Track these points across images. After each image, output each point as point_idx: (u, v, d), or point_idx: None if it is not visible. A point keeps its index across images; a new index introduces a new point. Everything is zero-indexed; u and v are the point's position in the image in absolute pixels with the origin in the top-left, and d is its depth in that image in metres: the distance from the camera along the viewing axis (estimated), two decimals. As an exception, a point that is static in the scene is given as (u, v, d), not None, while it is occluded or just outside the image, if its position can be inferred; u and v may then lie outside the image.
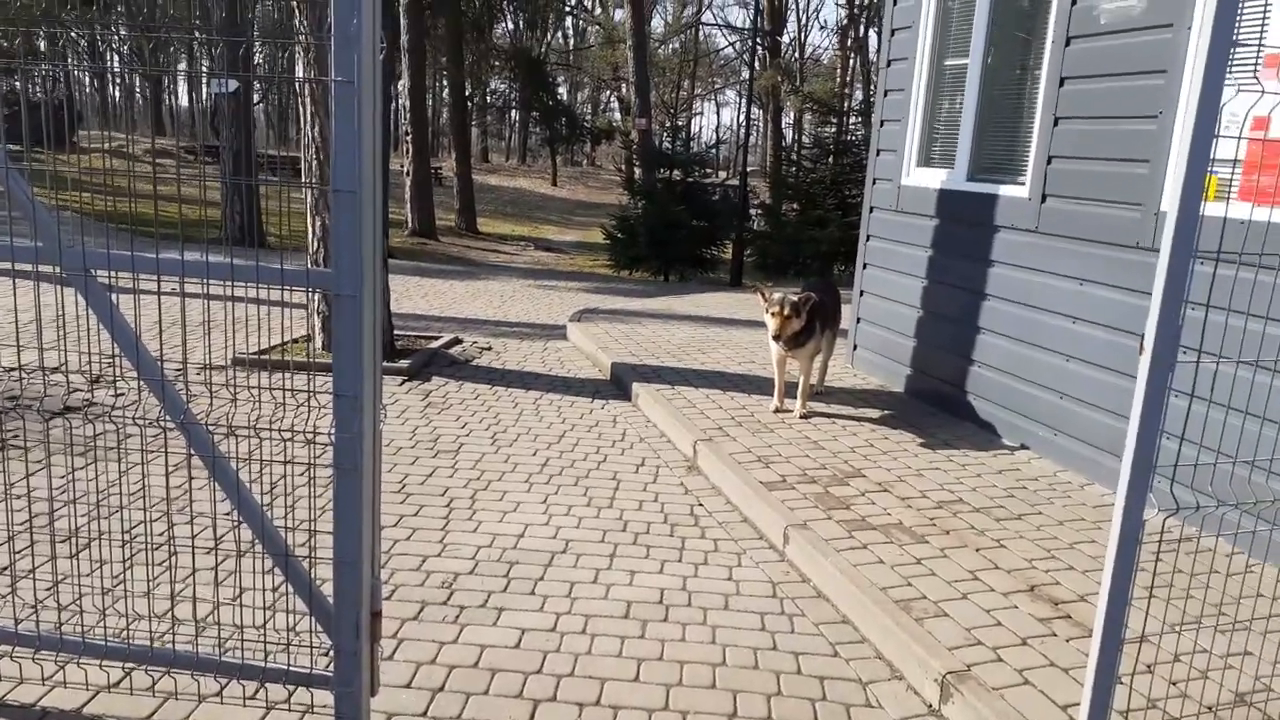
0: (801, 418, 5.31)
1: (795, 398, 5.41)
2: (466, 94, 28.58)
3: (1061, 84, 4.69)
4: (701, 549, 3.75)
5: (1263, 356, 3.24)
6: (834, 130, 19.83)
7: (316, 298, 6.32)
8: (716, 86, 52.46)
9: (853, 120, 20.44)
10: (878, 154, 6.49)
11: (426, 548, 3.60)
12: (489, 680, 2.71)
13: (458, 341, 7.42)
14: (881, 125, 6.47)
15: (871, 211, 6.51)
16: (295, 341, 6.45)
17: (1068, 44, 4.65)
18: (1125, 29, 4.33)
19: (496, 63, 32.72)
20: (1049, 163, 4.78)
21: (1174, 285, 1.91)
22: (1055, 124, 4.73)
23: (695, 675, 2.82)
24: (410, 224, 20.94)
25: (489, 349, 7.30)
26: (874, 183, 6.50)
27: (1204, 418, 3.12)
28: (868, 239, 6.55)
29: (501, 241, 23.99)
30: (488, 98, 39.51)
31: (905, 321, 6.02)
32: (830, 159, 18.63)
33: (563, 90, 45.02)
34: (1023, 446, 4.96)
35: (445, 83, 29.21)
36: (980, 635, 2.97)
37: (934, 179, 5.82)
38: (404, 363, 6.32)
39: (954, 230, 5.63)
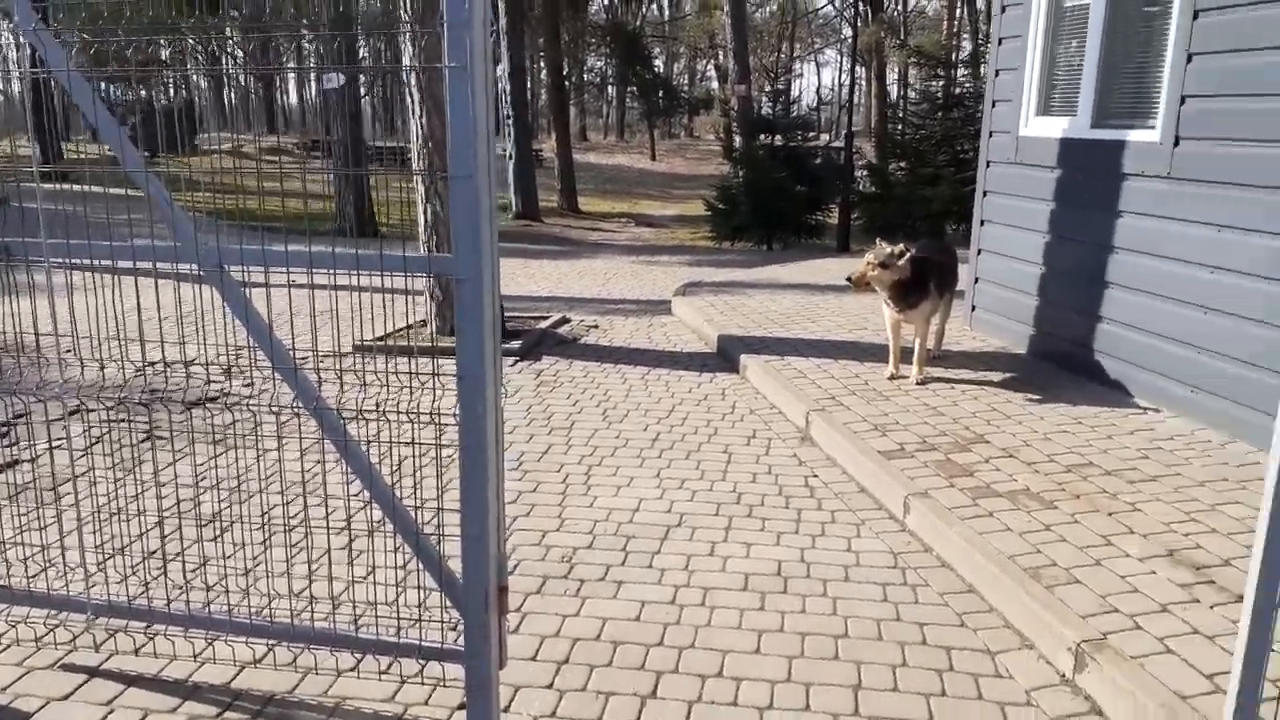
0: (918, 384, 5.16)
1: (911, 363, 5.26)
2: (564, 73, 28.76)
3: (1196, 16, 4.37)
4: (818, 520, 3.70)
5: None
6: (943, 84, 19.06)
7: (431, 284, 6.49)
8: (817, 47, 51.22)
9: (962, 73, 19.59)
10: (993, 105, 6.21)
11: (545, 523, 3.67)
12: (611, 653, 2.75)
13: (565, 321, 7.52)
14: (997, 75, 6.18)
15: (989, 166, 6.24)
16: (411, 327, 6.65)
17: (1199, -27, 4.32)
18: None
19: (593, 39, 32.82)
20: (1182, 103, 4.47)
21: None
22: (1189, 60, 4.42)
23: (817, 647, 2.79)
24: (514, 206, 21.27)
25: (596, 327, 7.36)
26: (990, 135, 6.22)
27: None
28: (984, 195, 6.29)
29: (603, 219, 24.13)
30: (585, 75, 39.67)
31: (1027, 279, 5.77)
32: (940, 114, 17.94)
33: (659, 62, 44.78)
34: (1156, 408, 4.70)
35: (543, 63, 29.44)
36: (1116, 602, 2.84)
37: (1055, 128, 5.54)
38: (515, 343, 6.43)
39: (1078, 181, 5.35)
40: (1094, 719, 2.48)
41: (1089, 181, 5.21)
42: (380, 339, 5.91)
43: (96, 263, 2.32)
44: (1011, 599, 2.96)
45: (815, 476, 4.16)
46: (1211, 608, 2.81)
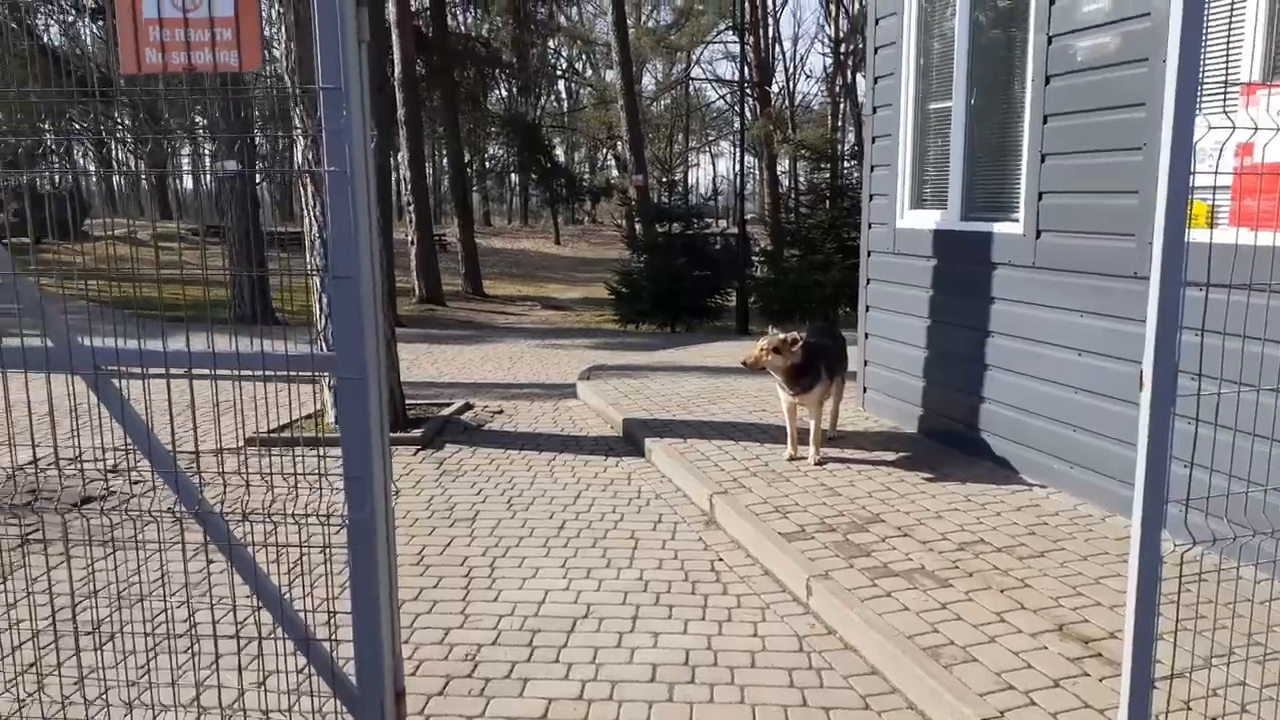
0: (816, 464, 5.31)
1: (809, 444, 5.41)
2: (465, 161, 29.05)
3: (1045, 121, 4.76)
4: (724, 605, 3.73)
5: (1265, 380, 3.24)
6: (829, 175, 20.06)
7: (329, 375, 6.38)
8: (710, 138, 53.19)
9: (847, 164, 20.66)
10: (870, 198, 6.58)
11: (448, 619, 3.59)
12: (517, 753, 2.69)
13: (469, 407, 7.46)
14: (872, 170, 6.56)
15: (870, 255, 6.57)
16: (308, 417, 6.49)
17: (1048, 82, 4.73)
18: (1102, 65, 4.41)
19: (493, 129, 33.30)
20: (1040, 199, 4.84)
21: (1167, 316, 1.93)
22: (1043, 160, 4.80)
23: (725, 736, 2.79)
24: (417, 292, 21.14)
25: (500, 412, 7.33)
26: (869, 227, 6.57)
27: (1228, 444, 3.11)
28: (868, 282, 6.60)
29: (508, 303, 24.17)
30: (486, 163, 40.11)
31: (912, 362, 6.04)
32: (827, 203, 18.82)
33: (559, 151, 45.71)
34: (1040, 484, 4.94)
35: (444, 151, 29.70)
36: (1011, 679, 2.94)
37: (928, 220, 5.89)
38: (416, 432, 6.35)
39: (952, 269, 5.68)
40: (993, 795, 2.53)
41: (963, 270, 5.54)
42: (279, 429, 5.75)
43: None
44: (913, 679, 3.03)
45: (720, 560, 4.20)
46: (1100, 680, 2.94)
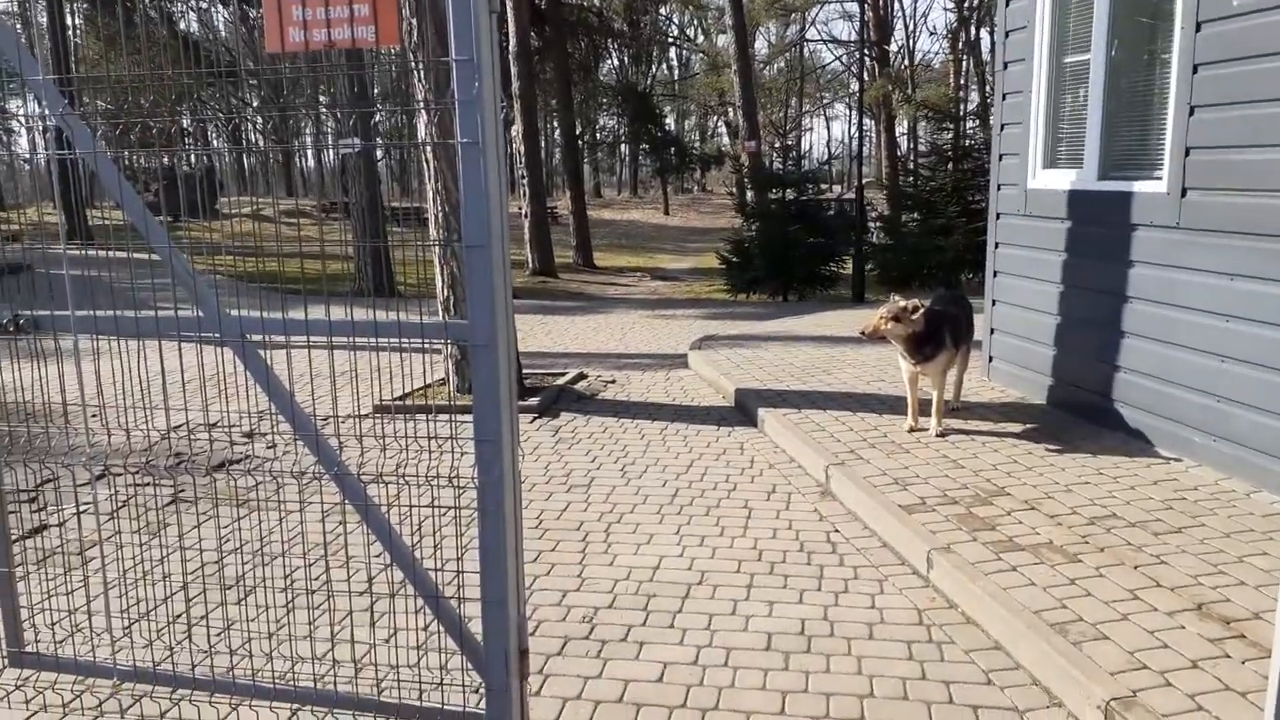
0: (938, 436, 5.16)
1: (930, 415, 5.26)
2: (577, 133, 29.27)
3: (1195, 70, 4.43)
4: (841, 577, 3.68)
5: None
6: (951, 136, 19.30)
7: (448, 343, 6.56)
8: (825, 101, 51.97)
9: (971, 124, 19.86)
10: (1000, 159, 6.29)
11: (565, 582, 3.66)
12: (634, 716, 2.73)
13: (582, 376, 7.56)
14: (1002, 129, 6.27)
15: (998, 218, 6.30)
16: (430, 386, 6.71)
17: (1198, 29, 4.40)
18: (1261, 9, 4.07)
19: (604, 100, 33.43)
20: (1187, 154, 4.52)
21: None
22: (1191, 113, 4.48)
23: (842, 707, 2.76)
24: (531, 264, 21.50)
25: (613, 382, 7.40)
26: (999, 188, 6.29)
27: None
28: (996, 246, 6.34)
29: (618, 274, 24.33)
30: (597, 134, 40.36)
31: (1043, 329, 5.78)
32: (950, 165, 18.13)
33: (670, 120, 45.53)
34: (1178, 458, 4.67)
35: (556, 124, 29.99)
36: (1145, 658, 2.80)
37: (1062, 180, 5.60)
38: (533, 400, 6.47)
39: (1088, 231, 5.39)
40: (1127, 779, 2.43)
41: (1099, 232, 5.25)
42: (400, 398, 5.97)
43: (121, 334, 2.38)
44: (1039, 656, 2.93)
45: (837, 531, 4.14)
46: (1243, 663, 2.77)
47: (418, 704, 2.40)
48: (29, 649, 2.73)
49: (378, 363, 2.49)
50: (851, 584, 3.61)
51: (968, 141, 18.61)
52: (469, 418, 2.14)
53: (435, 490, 2.39)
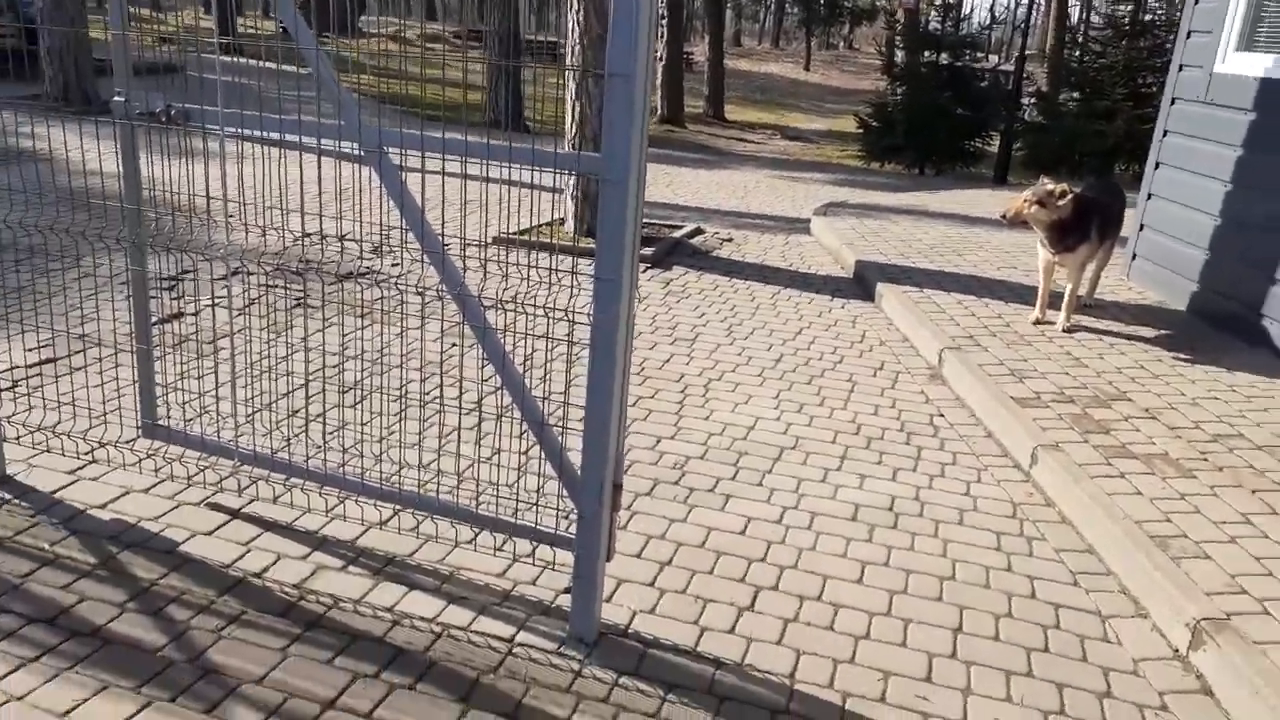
0: (1065, 331, 4.92)
1: (1060, 309, 5.01)
2: (722, -27, 27.76)
3: None
4: (938, 460, 3.63)
5: None
6: (1131, 8, 17.50)
7: (573, 185, 6.53)
8: (996, -40, 47.65)
9: (1156, -1, 17.91)
10: (1187, 36, 5.68)
11: (661, 429, 3.73)
12: (714, 561, 2.82)
13: (699, 231, 7.47)
14: (1196, 2, 5.63)
15: (1173, 103, 5.75)
16: (550, 224, 6.74)
17: None
18: None
19: (757, -61, 31.44)
20: None
21: None
22: None
23: (921, 585, 2.78)
24: (659, 111, 20.99)
25: (729, 240, 7.28)
26: (1179, 69, 5.71)
27: None
28: (1164, 135, 5.82)
29: (748, 129, 23.56)
30: (744, -23, 38.24)
31: (1198, 231, 5.35)
32: (1124, 41, 16.51)
33: (824, -33, 42.63)
34: (1329, 383, 4.35)
35: (703, -39, 28.50)
36: (1246, 584, 2.70)
37: (1258, 66, 5.03)
38: (647, 250, 6.45)
39: (1276, 126, 4.87)
40: (1203, 699, 2.40)
41: (1289, 130, 4.74)
42: (520, 233, 6.03)
43: (266, 134, 2.44)
44: (1132, 565, 2.86)
45: (941, 416, 4.06)
46: (1355, 602, 2.64)
47: (511, 520, 2.53)
48: (160, 423, 2.97)
49: (499, 195, 2.49)
50: (948, 469, 3.56)
51: (1149, 16, 16.85)
52: (586, 260, 2.13)
53: (550, 323, 2.43)
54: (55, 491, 2.90)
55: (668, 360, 4.52)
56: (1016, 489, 3.44)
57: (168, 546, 2.67)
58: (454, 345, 4.22)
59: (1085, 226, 4.77)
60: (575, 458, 2.33)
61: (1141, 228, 5.97)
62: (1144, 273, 5.93)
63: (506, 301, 2.40)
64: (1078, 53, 18.38)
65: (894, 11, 25.24)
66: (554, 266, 2.44)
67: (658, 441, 3.62)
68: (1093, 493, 3.20)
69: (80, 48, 11.60)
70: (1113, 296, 5.66)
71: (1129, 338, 4.92)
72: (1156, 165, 5.88)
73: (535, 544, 2.51)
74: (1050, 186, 4.69)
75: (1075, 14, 35.95)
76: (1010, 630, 2.60)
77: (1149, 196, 5.91)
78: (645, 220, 7.34)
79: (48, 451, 3.05)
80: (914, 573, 2.84)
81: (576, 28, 6.11)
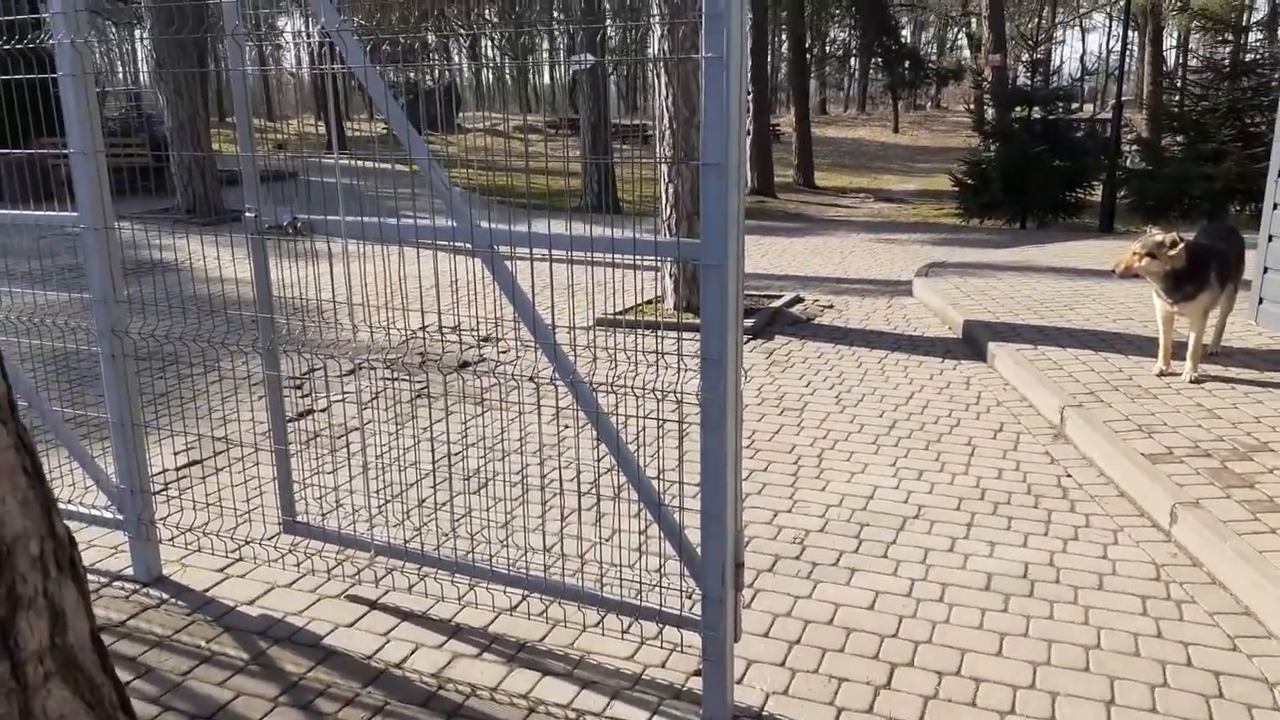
0: (1192, 382, 4.70)
1: (1184, 360, 4.80)
2: (805, 45, 28.24)
3: None
4: (1071, 523, 3.49)
5: None
6: (1231, 49, 17.00)
7: (669, 263, 6.66)
8: (1082, 11, 47.12)
9: (1255, 37, 17.37)
10: (1297, 72, 5.49)
11: (777, 503, 3.70)
12: (844, 638, 2.75)
13: (799, 300, 7.47)
14: (1303, 37, 5.45)
15: (1287, 141, 5.54)
16: (650, 302, 6.86)
17: None
18: None
19: (836, 10, 31.98)
20: None
21: None
22: None
23: (1065, 656, 2.65)
24: (749, 183, 21.28)
25: (830, 307, 7.26)
26: (1291, 107, 5.52)
27: None
28: (1280, 175, 5.60)
29: (840, 195, 23.59)
30: (827, 48, 38.78)
31: (1331, 270, 5.08)
32: (1226, 83, 16.01)
33: (906, 31, 42.94)
34: None
35: (784, 36, 29.09)
36: None
37: (1377, 97, 4.81)
38: (748, 321, 6.48)
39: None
40: (1397, 773, 2.20)
41: None
42: (622, 312, 6.17)
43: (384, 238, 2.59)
44: (1298, 628, 2.67)
45: (1069, 476, 3.91)
46: None
47: (636, 602, 2.54)
48: (299, 519, 3.11)
49: (598, 277, 2.58)
50: (1082, 531, 3.42)
51: (1251, 56, 16.31)
52: (688, 335, 2.18)
53: (659, 403, 2.47)
54: (207, 590, 3.06)
55: (777, 431, 4.50)
56: (1158, 550, 3.27)
57: (312, 640, 2.77)
58: (567, 427, 4.31)
59: (1203, 273, 4.60)
60: (693, 535, 2.34)
61: (1265, 270, 5.71)
62: (1273, 316, 5.64)
63: (616, 384, 2.46)
64: (1178, 97, 17.89)
65: (980, 70, 25.12)
66: (660, 350, 2.49)
67: (774, 515, 3.59)
68: (1242, 550, 3.01)
69: (207, 162, 12.55)
70: (1240, 343, 5.39)
71: (1264, 384, 4.66)
72: (1276, 206, 5.64)
73: (661, 625, 2.51)
74: (1160, 237, 4.54)
75: (1171, 57, 35.04)
76: (1169, 701, 2.45)
77: (1270, 238, 5.66)
78: (744, 291, 7.39)
79: (198, 550, 3.23)
80: (1056, 642, 2.71)
81: (666, 113, 6.30)
